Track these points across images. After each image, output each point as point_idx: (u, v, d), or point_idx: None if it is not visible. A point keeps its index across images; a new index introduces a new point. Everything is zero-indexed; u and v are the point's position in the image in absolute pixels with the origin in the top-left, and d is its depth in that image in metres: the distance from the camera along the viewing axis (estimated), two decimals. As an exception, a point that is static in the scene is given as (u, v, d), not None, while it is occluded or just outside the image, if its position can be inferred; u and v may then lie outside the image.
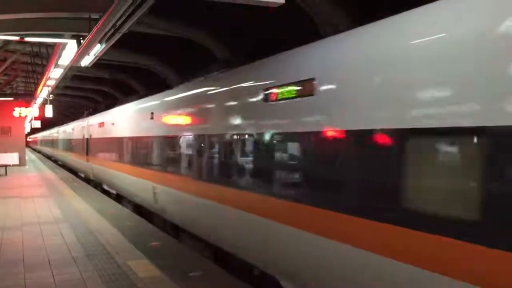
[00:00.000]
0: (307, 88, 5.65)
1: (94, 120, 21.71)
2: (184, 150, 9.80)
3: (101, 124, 19.32)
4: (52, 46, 14.28)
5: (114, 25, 8.50)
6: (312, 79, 5.57)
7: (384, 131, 4.54)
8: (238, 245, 7.41)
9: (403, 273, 4.22)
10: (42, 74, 19.84)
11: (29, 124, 44.79)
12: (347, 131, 5.02)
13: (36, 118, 38.06)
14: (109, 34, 9.18)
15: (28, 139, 68.80)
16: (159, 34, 13.06)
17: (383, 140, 4.56)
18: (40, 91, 23.07)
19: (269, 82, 6.53)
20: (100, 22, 8.41)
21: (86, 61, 11.94)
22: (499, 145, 3.51)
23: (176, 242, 9.69)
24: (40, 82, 20.98)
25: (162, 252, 8.81)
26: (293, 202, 5.81)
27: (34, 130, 64.54)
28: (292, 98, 5.95)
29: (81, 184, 21.83)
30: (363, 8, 8.67)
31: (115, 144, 16.17)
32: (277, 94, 6.25)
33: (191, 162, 9.41)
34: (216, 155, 8.19)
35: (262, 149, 6.63)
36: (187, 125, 9.70)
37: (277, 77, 6.36)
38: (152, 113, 12.17)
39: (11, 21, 11.10)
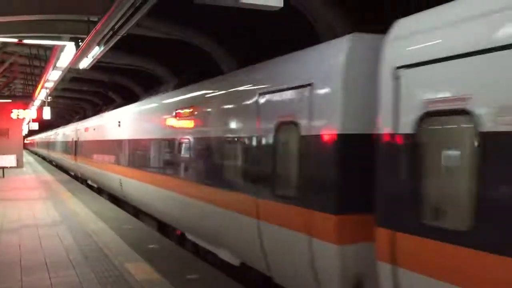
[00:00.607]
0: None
1: (80, 125, 25.72)
2: (138, 150, 13.38)
3: (86, 129, 23.07)
4: (51, 48, 14.29)
5: (112, 27, 8.52)
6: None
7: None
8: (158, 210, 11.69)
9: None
10: (40, 76, 19.84)
11: (27, 126, 44.79)
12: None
13: (34, 120, 38.07)
14: (107, 36, 9.20)
15: (25, 141, 68.66)
16: (157, 36, 13.07)
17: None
18: (38, 93, 23.08)
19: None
20: (99, 24, 8.43)
21: (84, 64, 11.95)
22: None
23: (173, 245, 9.69)
24: (38, 84, 20.99)
25: (160, 254, 8.80)
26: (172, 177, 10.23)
27: (31, 132, 64.56)
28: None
29: (79, 186, 21.81)
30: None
31: (95, 146, 19.73)
32: (180, 113, 10.09)
33: (140, 158, 13.07)
34: (152, 153, 12.03)
35: (158, 148, 11.52)
36: (138, 131, 13.48)
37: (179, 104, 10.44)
38: (119, 122, 15.97)
39: (9, 23, 11.11)
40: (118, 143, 15.52)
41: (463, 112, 3.71)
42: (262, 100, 6.61)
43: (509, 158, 3.42)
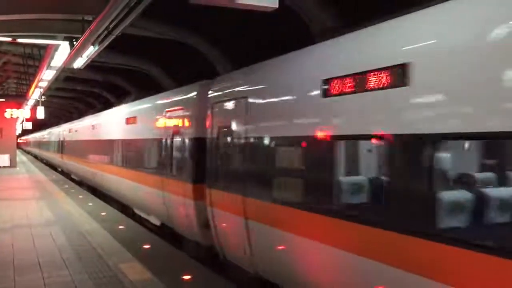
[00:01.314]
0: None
1: (65, 127, 30.37)
2: (104, 149, 17.01)
3: (70, 130, 27.57)
4: (45, 47, 14.24)
5: (107, 27, 8.51)
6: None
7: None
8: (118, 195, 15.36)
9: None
10: (34, 75, 19.77)
11: (21, 125, 44.61)
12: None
13: (27, 120, 37.91)
14: (102, 36, 9.19)
15: (19, 141, 68.41)
16: (152, 36, 13.06)
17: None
18: (32, 93, 22.99)
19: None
20: (93, 24, 8.42)
21: (78, 63, 11.93)
22: None
23: (167, 245, 9.68)
24: (32, 84, 20.91)
25: (154, 254, 8.79)
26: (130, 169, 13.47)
27: (25, 132, 64.32)
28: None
29: (72, 186, 21.75)
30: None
31: (77, 145, 23.73)
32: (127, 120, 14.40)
33: (105, 155, 16.72)
34: (111, 151, 15.77)
35: (115, 147, 15.28)
36: (103, 134, 17.76)
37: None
38: (92, 125, 20.27)
39: (3, 22, 11.06)
40: (92, 143, 19.67)
41: (227, 127, 7.68)
42: (160, 116, 11.08)
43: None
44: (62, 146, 29.50)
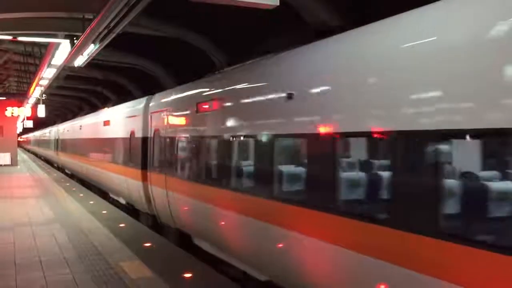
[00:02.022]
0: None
1: (60, 127, 34.11)
2: (85, 146, 21.09)
3: (63, 130, 31.01)
4: (45, 45, 14.22)
5: (107, 25, 8.49)
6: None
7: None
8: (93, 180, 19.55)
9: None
10: (35, 73, 19.75)
11: (21, 124, 44.60)
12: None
13: (28, 118, 37.90)
14: (102, 34, 9.17)
15: (19, 139, 68.47)
16: (153, 35, 13.05)
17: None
18: (33, 91, 22.97)
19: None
20: (94, 22, 8.40)
21: (79, 61, 11.92)
22: None
23: (168, 243, 9.69)
24: (33, 82, 20.89)
25: (155, 253, 8.79)
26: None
27: (26, 130, 64.35)
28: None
29: (73, 184, 21.76)
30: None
31: (68, 143, 27.61)
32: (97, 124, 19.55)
33: (86, 150, 20.68)
34: (90, 147, 19.68)
35: (93, 144, 19.12)
36: (88, 133, 21.00)
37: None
38: (79, 126, 24.02)
39: (4, 20, 11.04)
40: (80, 141, 23.21)
41: (157, 130, 11.36)
42: (124, 121, 14.68)
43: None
44: (56, 144, 33.64)
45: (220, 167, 7.83)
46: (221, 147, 7.84)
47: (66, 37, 11.38)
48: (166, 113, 10.66)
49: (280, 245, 5.99)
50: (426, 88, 4.03)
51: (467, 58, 3.71)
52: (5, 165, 33.26)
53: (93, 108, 29.42)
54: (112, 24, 8.47)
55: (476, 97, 3.61)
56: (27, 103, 30.32)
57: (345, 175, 5.09)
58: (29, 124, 41.84)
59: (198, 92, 9.23)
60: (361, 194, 5.12)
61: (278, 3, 5.37)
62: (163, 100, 11.29)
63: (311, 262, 5.37)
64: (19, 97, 30.63)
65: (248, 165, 7.09)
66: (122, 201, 14.90)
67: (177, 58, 15.37)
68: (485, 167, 4.04)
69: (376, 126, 4.62)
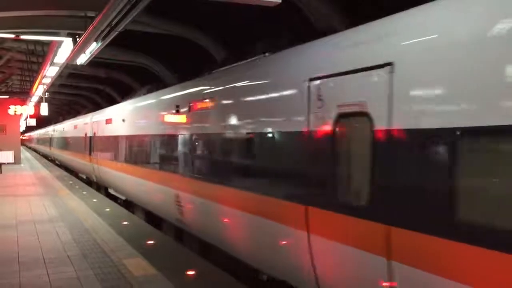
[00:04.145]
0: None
1: (54, 127, 40.37)
2: (69, 142, 27.70)
3: (54, 130, 38.74)
4: (48, 44, 14.23)
5: (110, 23, 8.48)
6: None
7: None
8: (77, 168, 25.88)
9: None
10: (37, 72, 19.78)
11: (24, 122, 44.68)
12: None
13: (31, 116, 37.93)
14: (105, 32, 9.16)
15: (23, 137, 68.81)
16: (155, 32, 13.04)
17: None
18: (36, 89, 23.00)
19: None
20: (96, 20, 8.39)
21: (81, 59, 11.91)
22: None
23: (171, 240, 9.69)
24: (36, 80, 20.92)
25: (158, 251, 8.80)
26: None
27: (29, 129, 64.76)
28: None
29: (76, 182, 21.80)
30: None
31: (62, 141, 32.28)
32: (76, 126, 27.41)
33: (70, 146, 27.32)
34: (75, 143, 24.83)
35: (76, 141, 25.15)
36: (69, 133, 28.22)
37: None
38: (63, 128, 31.76)
39: (6, 19, 11.05)
40: (64, 139, 30.65)
41: (94, 133, 19.42)
42: (81, 126, 23.83)
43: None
44: (50, 141, 41.52)
45: (117, 152, 15.04)
46: (121, 142, 14.51)
47: (68, 35, 11.38)
48: (98, 123, 18.77)
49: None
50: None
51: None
52: (8, 163, 33.30)
53: (96, 106, 30.14)
54: (114, 22, 8.47)
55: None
56: (30, 101, 30.36)
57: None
58: (32, 122, 41.88)
59: (107, 114, 17.87)
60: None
61: (280, 0, 5.36)
62: (97, 115, 19.86)
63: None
64: (22, 95, 30.64)
65: (123, 148, 14.45)
66: (83, 176, 23.52)
67: (179, 55, 15.36)
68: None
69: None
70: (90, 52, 10.97)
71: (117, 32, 9.05)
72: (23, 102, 31.84)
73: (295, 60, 5.97)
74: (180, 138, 9.40)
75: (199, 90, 8.85)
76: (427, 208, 3.82)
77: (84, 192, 17.71)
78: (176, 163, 9.60)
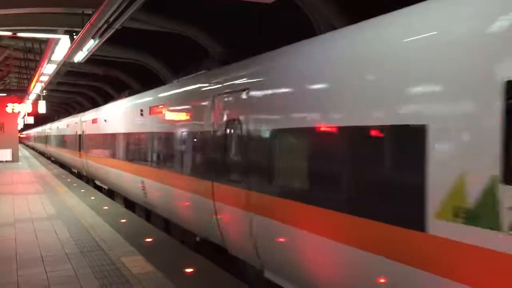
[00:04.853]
0: None
1: (50, 126, 43.08)
2: (60, 140, 31.69)
3: (51, 128, 40.65)
4: (45, 41, 14.19)
5: (107, 20, 8.47)
6: None
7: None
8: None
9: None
10: (35, 69, 19.73)
11: (22, 120, 44.58)
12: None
13: (29, 114, 37.86)
14: (102, 29, 9.15)
15: (20, 136, 68.86)
16: (152, 30, 13.01)
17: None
18: (33, 87, 22.95)
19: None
20: (93, 17, 8.38)
21: (79, 57, 11.89)
22: None
23: (169, 238, 9.69)
24: (33, 78, 20.87)
25: (156, 248, 8.80)
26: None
27: (27, 127, 64.78)
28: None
29: (74, 180, 21.79)
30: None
31: (56, 138, 34.90)
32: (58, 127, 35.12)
33: (61, 143, 31.03)
34: (61, 140, 30.76)
35: (61, 139, 31.49)
36: (61, 131, 31.76)
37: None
38: (57, 127, 34.97)
39: (3, 16, 11.01)
40: (55, 136, 34.60)
41: (83, 131, 21.86)
42: (71, 125, 26.98)
43: None
44: (46, 139, 44.67)
45: (101, 148, 17.35)
46: (104, 140, 16.82)
47: (65, 32, 11.34)
48: (86, 123, 21.08)
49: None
50: None
51: None
52: (6, 161, 33.27)
53: (94, 104, 30.75)
54: (111, 19, 8.45)
55: None
56: (28, 99, 30.30)
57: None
58: (30, 120, 41.77)
59: (92, 114, 20.33)
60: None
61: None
62: (85, 116, 22.07)
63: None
64: (20, 93, 30.58)
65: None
66: (75, 171, 25.79)
67: (177, 53, 15.34)
68: None
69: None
70: (88, 50, 10.95)
71: (114, 30, 9.03)
72: (20, 100, 31.79)
73: (205, 81, 8.36)
74: (143, 136, 11.78)
75: (155, 98, 11.22)
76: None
77: (82, 190, 17.69)
78: (140, 156, 12.07)
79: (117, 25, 8.77)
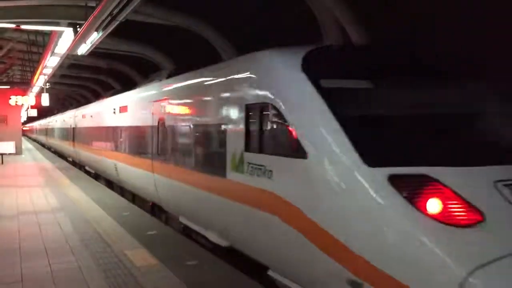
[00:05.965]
0: None
1: (48, 120, 48.14)
2: (57, 132, 36.74)
3: (51, 121, 44.70)
4: (49, 34, 14.19)
5: (111, 13, 8.44)
6: None
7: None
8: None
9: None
10: (38, 62, 19.75)
11: (26, 112, 44.74)
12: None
13: (32, 107, 37.98)
14: (105, 22, 9.13)
15: (24, 128, 69.16)
16: (156, 23, 12.96)
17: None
18: (37, 80, 22.99)
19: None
20: (97, 10, 8.36)
21: (82, 50, 11.90)
22: None
23: (173, 232, 9.71)
24: (37, 71, 20.90)
25: (159, 241, 8.81)
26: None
27: (30, 119, 64.98)
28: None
29: (78, 173, 21.84)
30: None
31: (55, 131, 38.48)
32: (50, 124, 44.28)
33: (58, 134, 35.78)
34: (59, 132, 35.21)
35: (56, 131, 37.77)
36: (58, 124, 35.97)
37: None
38: (56, 120, 39.26)
39: (7, 9, 11.00)
40: (56, 129, 36.85)
41: (78, 126, 25.02)
42: (66, 118, 31.46)
43: None
44: (46, 131, 48.63)
45: (88, 139, 20.57)
46: (90, 132, 19.83)
47: (69, 25, 11.33)
48: (78, 117, 24.53)
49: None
50: None
51: None
52: (9, 154, 33.36)
53: (97, 98, 30.70)
54: (115, 12, 8.43)
55: None
56: (31, 91, 30.36)
57: None
58: (33, 113, 41.88)
59: (82, 111, 24.21)
60: None
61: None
62: (78, 111, 25.56)
63: None
64: (23, 86, 30.64)
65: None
66: (70, 159, 29.01)
67: (181, 46, 15.29)
68: None
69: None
70: (91, 42, 10.95)
71: (118, 22, 9.01)
72: (24, 93, 31.83)
73: (148, 90, 12.42)
74: (117, 130, 15.03)
75: (122, 100, 14.91)
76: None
77: (86, 183, 17.72)
78: (113, 144, 15.51)
79: (120, 18, 8.75)
